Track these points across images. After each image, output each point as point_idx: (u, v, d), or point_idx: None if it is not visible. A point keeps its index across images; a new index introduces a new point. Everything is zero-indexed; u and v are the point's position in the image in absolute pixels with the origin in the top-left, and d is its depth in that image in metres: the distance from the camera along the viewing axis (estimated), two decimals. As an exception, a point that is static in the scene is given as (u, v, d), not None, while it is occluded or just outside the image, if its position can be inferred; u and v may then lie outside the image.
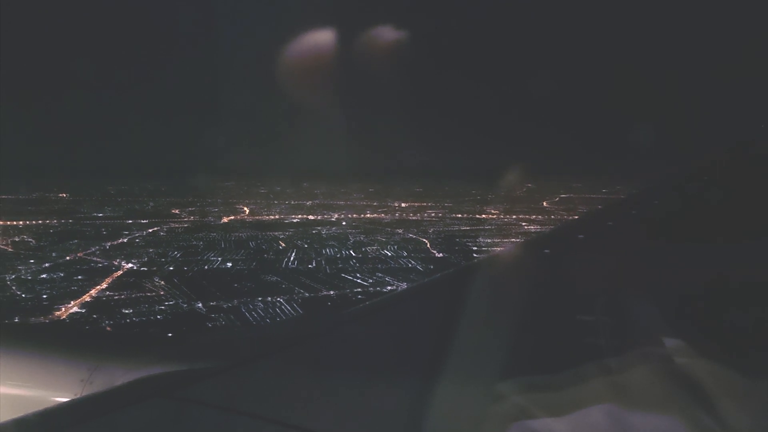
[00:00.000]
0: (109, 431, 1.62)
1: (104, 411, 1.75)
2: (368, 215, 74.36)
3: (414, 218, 71.17)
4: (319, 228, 61.85)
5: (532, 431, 1.50)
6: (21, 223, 62.39)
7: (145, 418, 1.69)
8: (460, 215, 73.22)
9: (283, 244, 51.41)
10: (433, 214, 74.51)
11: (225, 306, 31.48)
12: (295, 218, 70.49)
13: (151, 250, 47.87)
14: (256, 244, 51.81)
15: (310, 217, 71.85)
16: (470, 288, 3.37)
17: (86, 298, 33.06)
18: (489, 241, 52.28)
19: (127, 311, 30.48)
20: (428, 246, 50.61)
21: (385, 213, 77.04)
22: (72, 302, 31.89)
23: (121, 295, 33.70)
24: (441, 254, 46.33)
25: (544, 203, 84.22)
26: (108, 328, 26.97)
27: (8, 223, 61.99)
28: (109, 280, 37.29)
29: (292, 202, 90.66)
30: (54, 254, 45.47)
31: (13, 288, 35.07)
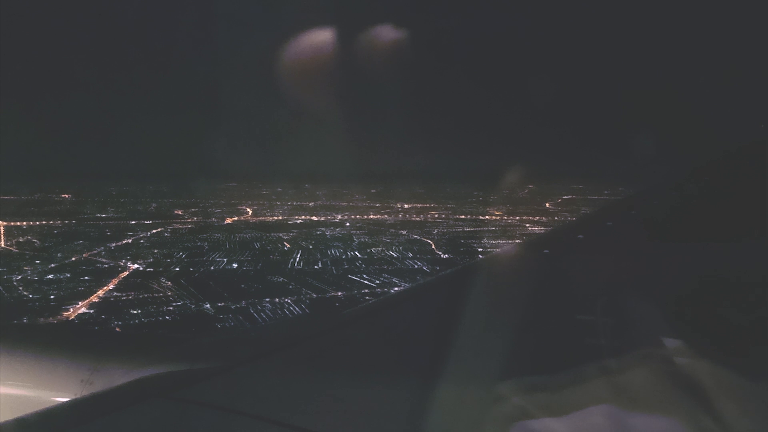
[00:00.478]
0: (109, 431, 1.62)
1: (104, 411, 1.76)
2: (371, 216, 74.33)
3: (417, 219, 71.16)
4: (323, 229, 61.84)
5: (532, 431, 1.50)
6: (25, 223, 62.38)
7: (145, 418, 1.69)
8: (463, 216, 73.21)
9: (288, 245, 51.41)
10: (436, 216, 74.49)
11: (233, 307, 31.48)
12: (298, 219, 70.49)
13: (156, 251, 47.89)
14: (260, 245, 51.82)
15: (314, 218, 71.84)
16: (469, 288, 3.37)
17: (94, 298, 33.06)
18: (494, 242, 52.25)
19: (135, 312, 30.49)
20: (433, 247, 50.61)
21: (388, 214, 77.00)
22: (80, 303, 31.91)
23: (129, 295, 33.72)
24: (446, 255, 46.35)
25: (547, 204, 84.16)
26: (117, 329, 27.03)
27: (12, 223, 61.94)
28: (115, 280, 37.31)
29: (295, 204, 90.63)
30: (59, 255, 45.46)
31: (21, 288, 35.08)
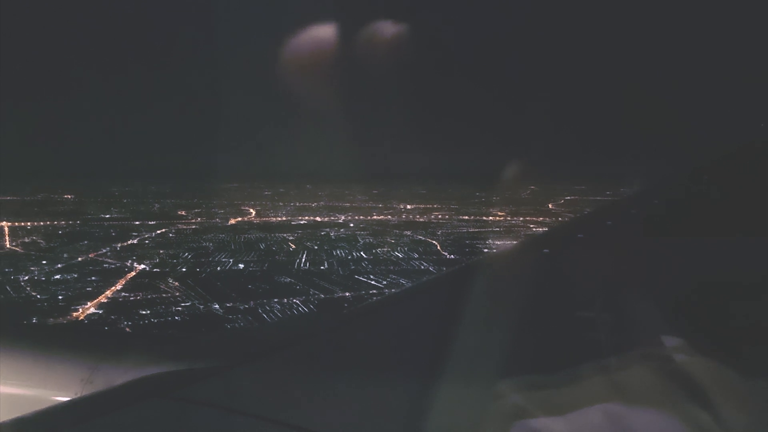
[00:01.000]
0: (109, 431, 1.61)
1: (104, 411, 1.75)
2: (375, 217, 74.34)
3: (421, 220, 71.18)
4: (327, 229, 61.84)
5: (532, 431, 1.50)
6: (29, 224, 62.37)
7: (145, 418, 1.68)
8: (466, 217, 73.20)
9: (293, 246, 51.43)
10: (439, 216, 74.51)
11: (241, 307, 31.52)
12: (302, 220, 70.52)
13: (162, 252, 47.88)
14: (266, 245, 51.82)
15: (317, 218, 71.85)
16: (469, 287, 3.37)
17: (102, 299, 33.08)
18: (499, 242, 52.36)
19: (144, 312, 30.52)
20: (438, 248, 50.64)
21: (392, 215, 77.01)
22: (89, 303, 31.94)
23: (137, 296, 33.74)
24: (452, 256, 46.37)
25: (550, 205, 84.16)
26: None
27: (17, 224, 61.96)
28: (122, 281, 37.32)
29: (298, 204, 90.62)
30: (65, 255, 45.46)
31: (28, 289, 35.09)
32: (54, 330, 6.00)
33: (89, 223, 64.25)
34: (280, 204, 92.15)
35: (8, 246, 50.58)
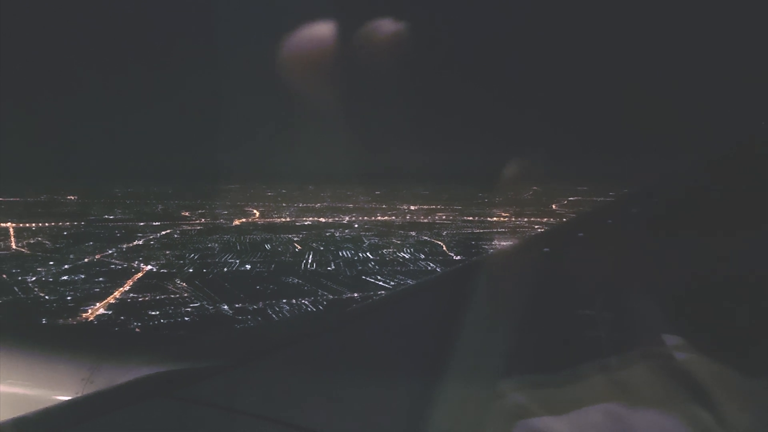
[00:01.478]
0: (110, 430, 1.61)
1: (105, 410, 1.75)
2: (379, 218, 74.35)
3: (425, 221, 71.19)
4: (332, 230, 61.87)
5: (533, 430, 1.50)
6: (34, 225, 62.40)
7: (146, 417, 1.68)
8: (470, 218, 73.23)
9: (299, 247, 51.44)
10: (443, 217, 74.52)
11: (251, 308, 31.53)
12: (306, 221, 70.51)
13: (168, 252, 47.90)
14: (271, 246, 51.83)
15: (321, 219, 71.85)
16: (469, 286, 3.38)
17: (111, 300, 33.09)
18: (505, 243, 52.35)
19: (153, 313, 30.53)
20: (444, 249, 50.66)
21: (395, 215, 77.02)
22: (98, 304, 31.94)
23: (146, 296, 33.74)
24: (459, 257, 46.38)
25: (554, 206, 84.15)
26: (127, 328, 27.07)
27: (21, 225, 61.99)
28: (130, 282, 37.32)
29: (301, 205, 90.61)
30: (72, 256, 45.43)
31: (36, 290, 35.08)
32: (55, 330, 5.98)
33: (94, 224, 64.30)
34: (283, 205, 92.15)
35: (14, 247, 50.58)
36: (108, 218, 71.14)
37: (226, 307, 31.75)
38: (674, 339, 2.08)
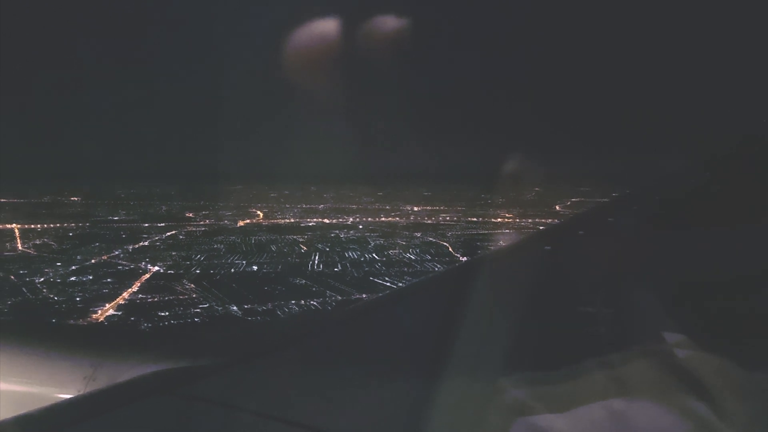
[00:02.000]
0: (112, 428, 1.61)
1: (108, 408, 1.75)
2: (383, 219, 74.39)
3: (429, 222, 71.21)
4: (336, 231, 61.88)
5: (534, 427, 1.49)
6: (39, 226, 62.49)
7: (148, 415, 1.68)
8: (474, 219, 73.26)
9: (305, 248, 51.49)
10: (447, 218, 74.54)
11: (260, 309, 31.58)
12: (310, 222, 70.57)
13: (174, 253, 47.93)
14: (277, 247, 51.86)
15: (325, 220, 71.90)
16: (470, 284, 3.39)
17: (120, 300, 33.16)
18: (509, 244, 52.34)
19: (163, 314, 30.58)
20: (450, 249, 50.68)
21: (399, 216, 77.08)
22: (107, 304, 31.99)
23: (154, 297, 33.78)
24: (465, 258, 46.40)
25: (557, 207, 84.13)
26: (146, 328, 27.13)
27: (27, 226, 62.09)
28: (138, 283, 37.35)
29: (304, 206, 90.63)
30: (78, 257, 45.50)
31: (45, 291, 35.13)
32: (57, 328, 5.91)
33: (99, 226, 64.35)
34: (287, 206, 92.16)
35: (20, 248, 50.67)
36: (112, 219, 71.25)
37: (235, 308, 31.82)
38: (674, 336, 2.10)
